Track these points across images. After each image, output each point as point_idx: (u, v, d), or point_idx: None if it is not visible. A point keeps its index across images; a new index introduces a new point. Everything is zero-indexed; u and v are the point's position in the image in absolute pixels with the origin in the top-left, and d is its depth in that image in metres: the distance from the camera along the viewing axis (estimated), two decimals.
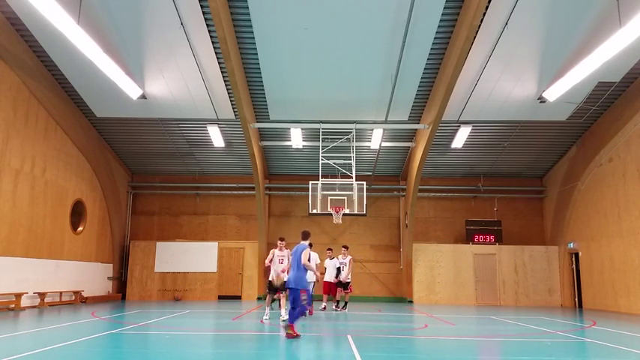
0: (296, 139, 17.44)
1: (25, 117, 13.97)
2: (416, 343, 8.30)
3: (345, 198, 15.65)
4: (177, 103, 15.97)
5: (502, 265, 19.23)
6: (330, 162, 16.70)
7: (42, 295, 14.55)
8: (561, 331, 10.07)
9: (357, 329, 9.98)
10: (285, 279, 11.38)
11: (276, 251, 11.69)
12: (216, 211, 20.99)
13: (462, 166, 19.91)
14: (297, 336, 8.14)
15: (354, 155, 16.44)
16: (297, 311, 8.20)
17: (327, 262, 14.88)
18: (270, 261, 11.61)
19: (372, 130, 17.10)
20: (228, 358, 6.78)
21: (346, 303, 14.57)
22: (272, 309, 11.87)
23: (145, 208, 20.99)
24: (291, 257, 8.96)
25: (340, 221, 15.73)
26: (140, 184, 20.96)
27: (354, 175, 15.93)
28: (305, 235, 8.76)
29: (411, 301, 18.99)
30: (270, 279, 11.57)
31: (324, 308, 14.55)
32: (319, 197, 15.57)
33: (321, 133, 16.53)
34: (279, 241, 11.73)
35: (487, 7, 11.79)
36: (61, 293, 15.69)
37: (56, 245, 15.52)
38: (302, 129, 17.02)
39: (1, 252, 12.97)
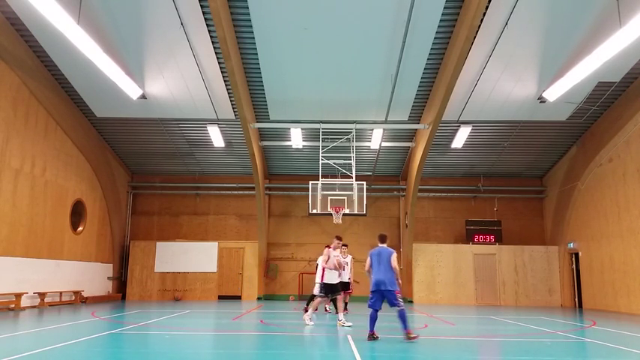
0: (296, 139, 17.44)
1: (25, 117, 13.97)
2: (416, 343, 8.29)
3: (345, 198, 15.65)
4: (177, 103, 15.97)
5: (502, 265, 19.23)
6: (330, 162, 16.70)
7: (42, 295, 14.54)
8: (561, 331, 10.07)
9: (357, 329, 9.98)
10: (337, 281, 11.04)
11: (332, 251, 10.97)
12: (216, 211, 20.99)
13: (462, 166, 19.91)
14: (416, 337, 8.06)
15: (354, 155, 16.44)
16: (402, 313, 8.14)
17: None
18: (327, 262, 10.89)
19: (372, 130, 17.10)
20: (228, 358, 6.78)
21: (346, 304, 14.35)
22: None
23: (145, 208, 21.00)
24: (369, 260, 8.80)
25: (340, 221, 15.71)
26: (140, 184, 20.96)
27: (354, 175, 15.93)
28: (384, 238, 8.74)
29: (411, 301, 18.98)
30: (326, 281, 10.82)
31: (327, 310, 13.91)
32: (319, 197, 15.56)
33: (321, 133, 16.53)
34: (337, 240, 11.13)
35: (487, 7, 11.79)
36: (61, 293, 15.69)
37: (56, 245, 15.52)
38: (302, 129, 17.02)
39: (1, 252, 12.97)
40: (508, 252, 19.36)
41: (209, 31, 12.91)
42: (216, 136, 17.69)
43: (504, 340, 8.93)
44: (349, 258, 14.00)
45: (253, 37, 13.18)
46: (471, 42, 12.31)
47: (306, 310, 11.32)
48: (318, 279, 11.22)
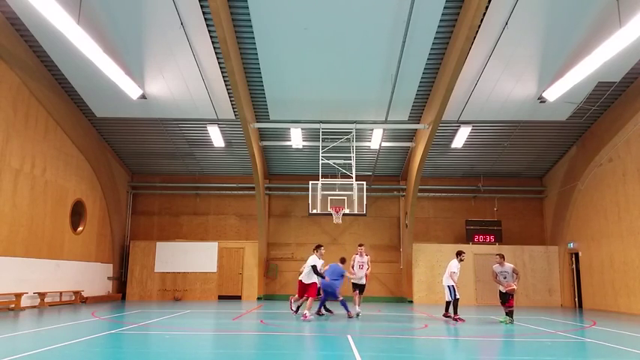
0: (296, 139, 17.44)
1: (25, 117, 13.97)
2: (416, 343, 8.30)
3: (345, 198, 15.65)
4: (177, 103, 15.97)
5: None
6: (330, 162, 16.70)
7: (42, 295, 14.54)
8: (561, 331, 10.07)
9: (357, 329, 9.98)
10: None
11: (498, 267, 11.84)
12: (216, 211, 20.99)
13: (462, 166, 19.91)
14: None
15: (354, 155, 16.44)
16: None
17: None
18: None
19: (372, 130, 17.10)
20: (228, 358, 6.78)
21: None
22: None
23: (145, 208, 21.00)
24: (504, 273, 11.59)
25: (340, 221, 15.72)
26: (140, 184, 20.96)
27: (354, 175, 15.93)
28: (343, 260, 12.64)
29: (411, 301, 18.98)
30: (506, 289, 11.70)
31: (296, 312, 12.82)
32: (319, 197, 15.56)
33: (321, 133, 16.53)
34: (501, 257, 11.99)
35: (487, 7, 11.80)
36: (61, 293, 15.69)
37: (56, 245, 15.52)
38: (302, 129, 17.02)
39: (1, 252, 12.97)
40: (508, 252, 19.29)
41: (209, 31, 12.91)
42: (216, 136, 17.69)
43: (504, 340, 8.93)
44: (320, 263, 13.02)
45: (253, 37, 13.18)
46: (471, 42, 12.31)
47: (458, 319, 11.74)
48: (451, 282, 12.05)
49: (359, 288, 13.17)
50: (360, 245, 13.53)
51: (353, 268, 13.18)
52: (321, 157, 16.32)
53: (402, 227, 20.40)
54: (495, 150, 18.57)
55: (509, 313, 11.57)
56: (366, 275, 13.20)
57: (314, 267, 11.90)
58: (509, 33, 12.53)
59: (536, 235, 20.58)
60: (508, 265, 11.75)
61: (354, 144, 16.57)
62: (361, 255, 13.22)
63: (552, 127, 17.11)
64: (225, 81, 14.85)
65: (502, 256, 11.88)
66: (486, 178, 20.46)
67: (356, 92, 15.39)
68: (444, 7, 12.06)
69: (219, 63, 14.09)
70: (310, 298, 11.87)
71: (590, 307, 17.18)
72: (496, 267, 11.80)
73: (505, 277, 11.59)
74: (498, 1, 11.73)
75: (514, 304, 11.77)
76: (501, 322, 11.52)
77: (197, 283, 19.53)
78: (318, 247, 12.47)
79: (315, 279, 12.07)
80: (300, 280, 12.48)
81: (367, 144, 18.07)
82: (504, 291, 11.61)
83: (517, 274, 11.67)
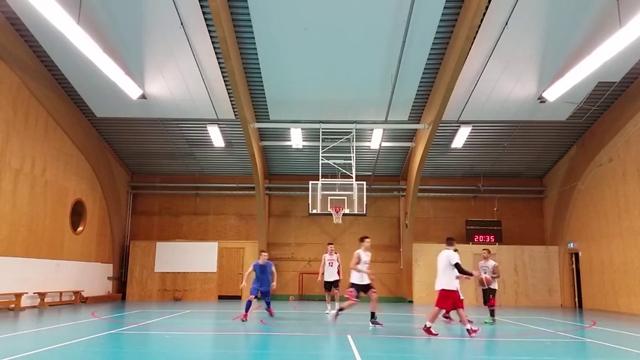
0: (296, 139, 17.44)
1: (25, 117, 13.97)
2: (416, 343, 8.29)
3: (345, 198, 15.65)
4: (177, 103, 15.97)
5: (502, 265, 19.15)
6: (330, 162, 16.70)
7: (42, 295, 14.54)
8: (561, 331, 10.07)
9: (357, 329, 9.98)
10: None
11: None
12: (216, 211, 20.99)
13: (462, 166, 19.91)
14: None
15: (354, 155, 16.44)
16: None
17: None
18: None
19: (372, 130, 17.10)
20: (228, 358, 6.78)
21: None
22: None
23: (145, 208, 21.00)
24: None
25: (340, 221, 15.73)
26: (140, 184, 20.96)
27: (354, 175, 15.93)
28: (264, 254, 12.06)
29: (411, 301, 18.97)
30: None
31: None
32: (319, 197, 15.57)
33: (321, 133, 16.53)
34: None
35: (487, 7, 11.79)
36: (61, 293, 15.69)
37: (56, 245, 15.52)
38: (302, 129, 17.02)
39: (1, 252, 12.97)
40: (508, 252, 19.34)
41: (209, 31, 12.91)
42: (216, 136, 17.69)
43: (504, 340, 8.93)
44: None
45: (253, 37, 13.18)
46: (471, 42, 12.31)
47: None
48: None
49: (333, 284, 13.72)
50: (330, 244, 14.17)
51: (324, 267, 13.76)
52: (321, 157, 16.32)
53: (402, 227, 20.40)
54: (495, 150, 18.57)
55: (492, 312, 11.71)
56: (338, 272, 13.77)
57: (457, 265, 9.43)
58: (509, 33, 12.53)
59: (536, 235, 20.58)
60: (491, 262, 12.02)
61: (354, 144, 16.56)
62: (330, 254, 13.87)
63: (552, 127, 17.11)
64: (225, 81, 14.85)
65: (488, 251, 12.29)
66: (486, 178, 20.45)
67: (356, 92, 15.39)
68: (444, 7, 12.06)
69: (219, 63, 14.09)
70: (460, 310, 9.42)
71: (590, 307, 17.18)
72: (481, 262, 12.20)
73: (485, 272, 11.87)
74: (498, 1, 11.73)
75: (495, 303, 11.87)
76: (486, 322, 11.60)
77: (197, 283, 19.53)
78: (451, 240, 9.99)
79: (454, 282, 9.51)
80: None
81: (367, 144, 18.07)
82: (484, 286, 11.86)
83: (497, 274, 11.81)
